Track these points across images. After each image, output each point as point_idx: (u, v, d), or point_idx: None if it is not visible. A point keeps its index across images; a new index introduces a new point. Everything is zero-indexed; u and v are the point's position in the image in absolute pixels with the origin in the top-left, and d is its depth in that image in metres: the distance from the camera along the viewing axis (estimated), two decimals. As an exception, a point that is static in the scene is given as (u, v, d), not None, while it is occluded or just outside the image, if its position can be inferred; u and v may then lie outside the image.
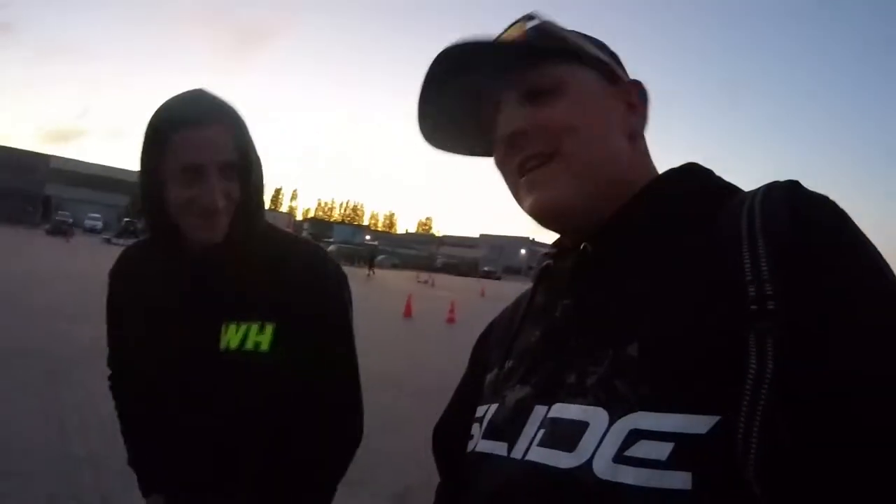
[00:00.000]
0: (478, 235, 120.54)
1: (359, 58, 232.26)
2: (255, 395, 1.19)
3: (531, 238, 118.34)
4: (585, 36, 0.74)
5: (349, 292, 1.32)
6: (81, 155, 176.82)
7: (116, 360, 1.40)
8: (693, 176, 0.68)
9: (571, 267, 0.68)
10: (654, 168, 0.73)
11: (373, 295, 22.22)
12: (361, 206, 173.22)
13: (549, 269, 0.74)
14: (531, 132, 0.67)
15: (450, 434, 0.77)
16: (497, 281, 66.22)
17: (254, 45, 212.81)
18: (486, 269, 77.63)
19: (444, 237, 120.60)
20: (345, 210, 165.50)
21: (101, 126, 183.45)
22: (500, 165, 0.74)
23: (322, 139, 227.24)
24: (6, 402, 4.97)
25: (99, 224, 57.29)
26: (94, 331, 4.53)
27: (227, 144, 1.12)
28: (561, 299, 0.68)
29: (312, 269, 1.26)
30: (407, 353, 9.85)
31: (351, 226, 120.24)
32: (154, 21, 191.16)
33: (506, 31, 0.72)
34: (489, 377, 0.75)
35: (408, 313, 15.45)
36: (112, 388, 1.43)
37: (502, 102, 0.71)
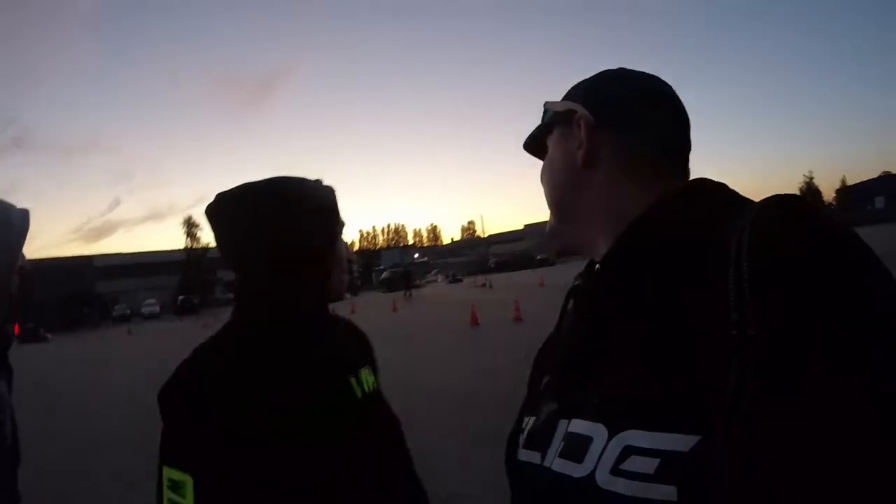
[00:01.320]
0: (522, 227, 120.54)
1: (373, 82, 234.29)
2: None
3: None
4: (578, 85, 0.85)
5: None
6: (122, 246, 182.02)
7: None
8: (696, 196, 0.70)
9: (584, 288, 0.77)
10: (626, 186, 0.76)
11: (434, 310, 22.07)
12: (403, 226, 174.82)
13: (577, 288, 0.79)
14: None
15: (510, 444, 0.82)
16: (552, 266, 65.51)
17: (268, 92, 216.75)
18: (538, 257, 77.03)
19: (490, 237, 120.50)
20: (387, 234, 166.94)
21: (136, 213, 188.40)
22: None
23: (351, 169, 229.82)
24: None
25: (157, 309, 58.10)
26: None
27: None
28: (579, 319, 0.76)
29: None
30: (486, 364, 9.65)
31: (397, 248, 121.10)
32: (164, 98, 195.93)
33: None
34: (534, 390, 0.82)
35: (474, 322, 15.33)
36: None
37: None
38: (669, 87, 0.81)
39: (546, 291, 25.81)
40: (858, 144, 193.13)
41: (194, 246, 68.82)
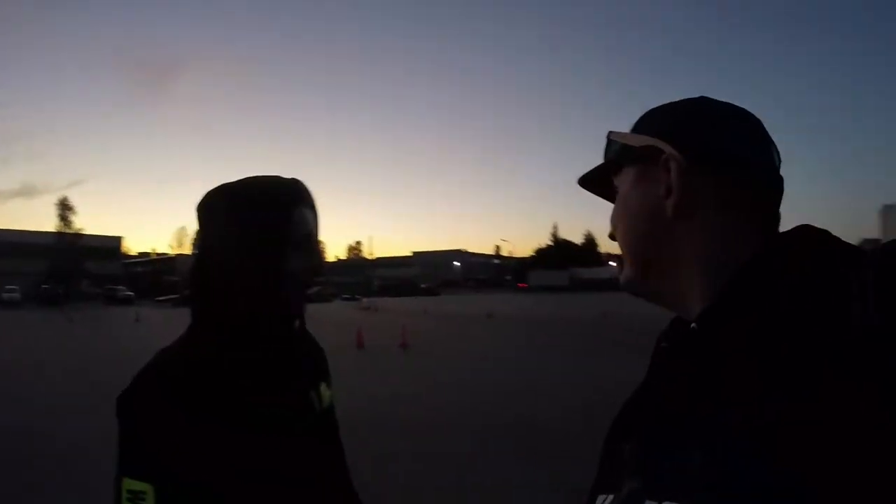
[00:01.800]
0: (411, 254, 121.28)
1: (275, 87, 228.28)
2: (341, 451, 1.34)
3: (463, 250, 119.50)
4: (653, 115, 0.76)
5: None
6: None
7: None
8: (804, 243, 0.61)
9: (677, 349, 0.67)
10: (724, 234, 0.67)
11: (319, 330, 21.95)
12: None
13: (665, 350, 0.70)
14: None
15: None
16: (437, 297, 66.50)
17: (170, 80, 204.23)
18: (424, 286, 78.02)
19: (377, 259, 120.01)
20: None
21: (5, 185, 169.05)
22: None
23: (241, 171, 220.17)
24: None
25: (17, 296, 52.79)
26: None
27: (315, 222, 1.25)
28: (673, 383, 0.64)
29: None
30: (375, 389, 9.70)
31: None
32: (50, 67, 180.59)
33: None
34: (607, 463, 0.72)
35: (360, 344, 15.58)
36: None
37: None
38: (757, 118, 0.72)
39: (430, 320, 26.50)
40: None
41: (66, 231, 64.50)
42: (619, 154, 0.76)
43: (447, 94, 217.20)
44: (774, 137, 0.72)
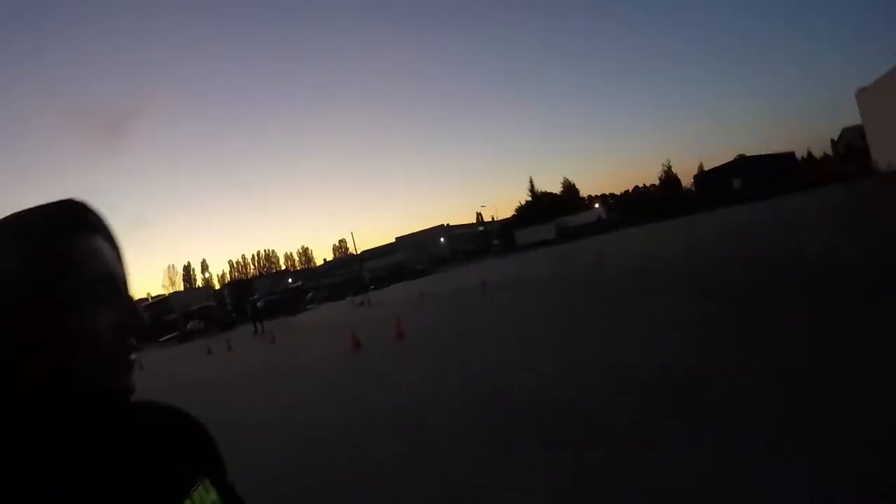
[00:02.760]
0: (394, 240, 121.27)
1: (231, 106, 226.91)
2: None
3: (446, 224, 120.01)
4: None
5: None
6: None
7: None
8: None
9: None
10: None
11: (314, 338, 21.59)
12: (273, 251, 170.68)
13: None
14: None
15: None
16: (430, 276, 66.51)
17: (125, 129, 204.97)
18: (418, 268, 78.70)
19: (363, 253, 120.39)
20: (259, 262, 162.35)
21: None
22: None
23: (216, 198, 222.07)
24: None
25: None
26: None
27: (114, 257, 0.90)
28: None
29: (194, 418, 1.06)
30: (367, 392, 9.31)
31: (270, 275, 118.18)
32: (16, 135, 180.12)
33: None
34: None
35: (355, 345, 14.94)
36: None
37: None
38: None
39: (424, 302, 26.72)
40: (712, 131, 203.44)
41: None
42: None
43: (401, 74, 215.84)
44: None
